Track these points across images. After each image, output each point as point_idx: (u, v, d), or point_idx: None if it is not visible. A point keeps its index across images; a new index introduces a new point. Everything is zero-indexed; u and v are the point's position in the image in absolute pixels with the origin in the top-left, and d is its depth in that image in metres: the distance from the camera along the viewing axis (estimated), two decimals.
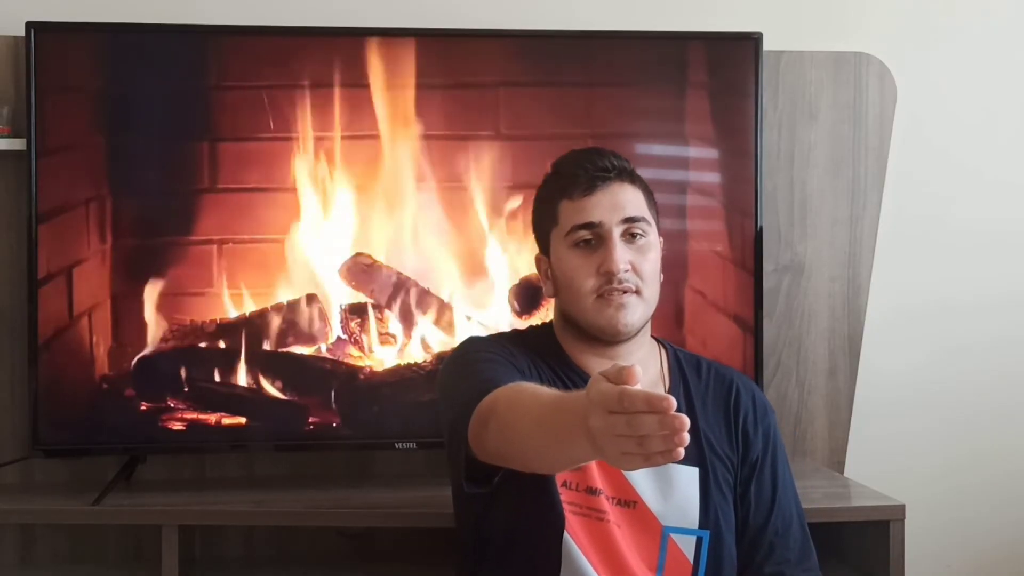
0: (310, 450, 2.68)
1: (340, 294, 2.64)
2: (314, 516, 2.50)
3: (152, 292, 2.58)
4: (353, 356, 2.63)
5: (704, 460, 1.96)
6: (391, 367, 2.62)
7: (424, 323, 2.64)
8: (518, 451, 1.65)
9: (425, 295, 2.64)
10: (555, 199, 1.99)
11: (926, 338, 2.98)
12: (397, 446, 2.59)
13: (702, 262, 2.71)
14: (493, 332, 2.22)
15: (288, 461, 2.74)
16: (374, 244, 2.64)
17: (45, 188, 2.50)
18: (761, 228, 2.67)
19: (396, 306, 2.63)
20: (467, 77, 2.65)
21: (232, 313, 2.61)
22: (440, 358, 2.61)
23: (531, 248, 2.64)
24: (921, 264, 2.96)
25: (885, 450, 2.93)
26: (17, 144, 2.53)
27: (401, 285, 2.63)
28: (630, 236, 1.95)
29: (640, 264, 1.94)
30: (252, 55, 2.61)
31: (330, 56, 2.59)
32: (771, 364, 2.79)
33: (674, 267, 2.69)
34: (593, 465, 1.89)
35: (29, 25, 2.49)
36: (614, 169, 1.97)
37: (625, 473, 1.90)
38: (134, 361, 2.57)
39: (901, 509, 2.48)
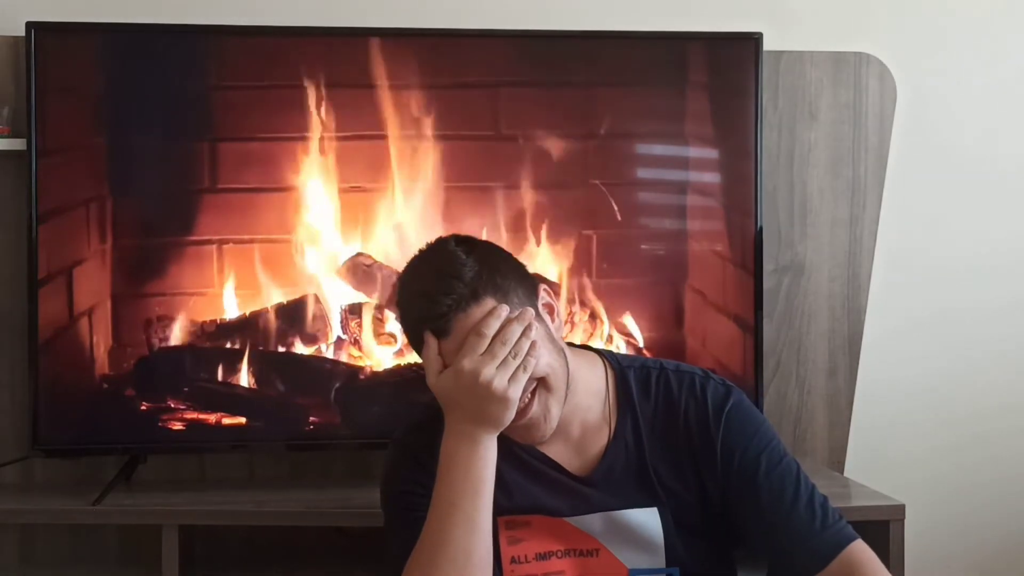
0: (310, 450, 2.68)
1: (340, 294, 2.64)
2: (314, 516, 2.50)
3: (152, 292, 2.58)
4: (353, 356, 2.63)
5: (658, 497, 1.90)
6: (391, 367, 2.62)
7: None
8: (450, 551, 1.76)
9: None
10: (417, 334, 1.83)
11: (926, 338, 2.98)
12: None
13: (702, 262, 2.71)
14: (416, 417, 2.00)
15: (288, 461, 2.74)
16: (374, 244, 2.64)
17: (45, 188, 2.50)
18: (761, 228, 2.67)
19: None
20: (468, 77, 2.65)
21: (232, 313, 2.61)
22: None
23: (532, 247, 2.64)
24: (921, 264, 2.96)
25: (885, 450, 2.93)
26: (17, 144, 2.53)
27: None
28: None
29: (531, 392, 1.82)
30: (252, 55, 2.61)
31: (330, 56, 2.59)
32: (771, 364, 2.79)
33: (674, 267, 2.70)
34: (541, 527, 1.88)
35: (29, 25, 2.49)
36: (451, 308, 1.77)
37: (582, 527, 1.88)
38: (134, 361, 2.57)
39: (901, 509, 2.48)
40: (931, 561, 2.90)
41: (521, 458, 1.90)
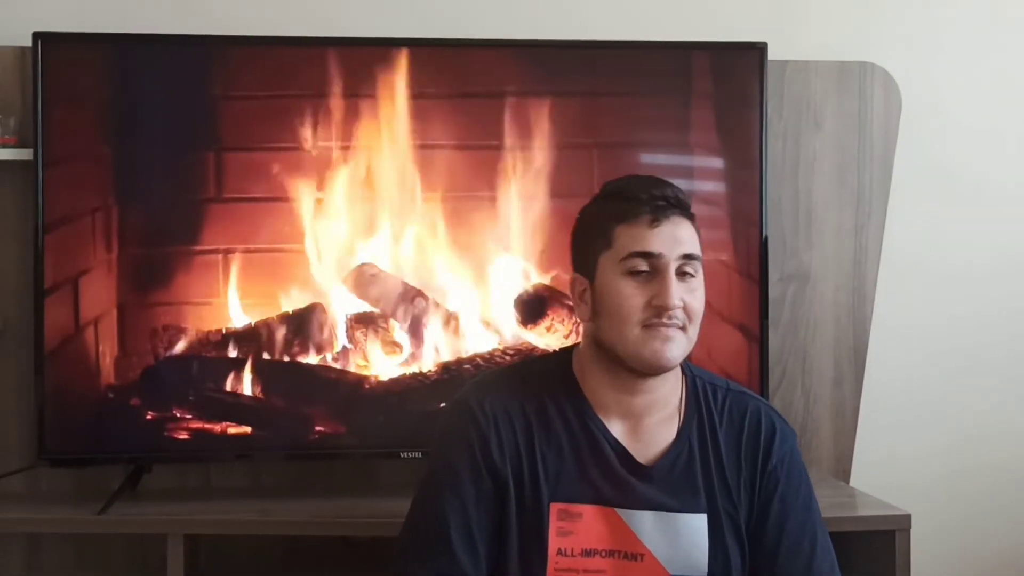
0: (316, 459, 2.68)
1: (346, 304, 2.64)
2: (320, 525, 2.50)
3: (158, 301, 2.58)
4: (358, 365, 2.63)
5: (715, 505, 1.92)
6: (396, 376, 2.62)
7: (429, 332, 2.64)
8: None
9: (430, 305, 2.64)
10: (610, 222, 1.91)
11: (931, 347, 2.98)
12: (402, 455, 2.59)
13: (707, 271, 2.66)
14: (484, 381, 2.01)
15: (294, 470, 2.74)
16: (379, 254, 2.64)
17: (51, 198, 2.51)
18: (766, 237, 2.68)
19: (401, 315, 2.63)
20: (472, 87, 2.66)
21: (238, 322, 2.61)
22: (445, 367, 2.62)
23: (535, 258, 2.64)
24: (926, 273, 2.96)
25: (891, 460, 2.93)
26: (24, 154, 2.53)
27: (406, 295, 2.64)
28: (682, 273, 1.90)
29: (690, 302, 1.90)
30: (257, 65, 2.61)
31: (336, 66, 2.59)
32: (776, 373, 2.79)
33: None
34: (592, 521, 1.88)
35: (36, 36, 2.49)
36: (677, 203, 1.91)
37: (632, 526, 1.89)
38: (140, 370, 2.58)
39: (907, 519, 2.48)
40: (937, 570, 2.89)
41: (586, 438, 1.90)
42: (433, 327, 2.64)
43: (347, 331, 2.64)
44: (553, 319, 2.64)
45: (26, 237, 2.55)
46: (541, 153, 2.64)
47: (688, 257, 1.89)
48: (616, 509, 1.89)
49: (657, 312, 1.86)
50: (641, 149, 2.73)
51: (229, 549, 2.70)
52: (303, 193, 2.60)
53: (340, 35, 2.64)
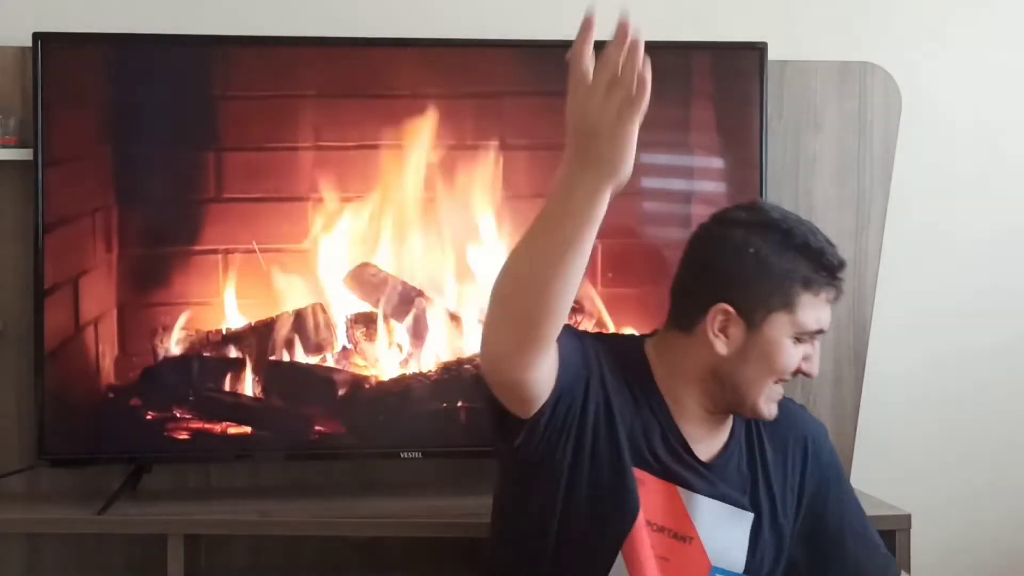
0: (316, 459, 2.68)
1: (346, 303, 2.64)
2: (320, 526, 2.50)
3: (158, 301, 2.59)
4: (359, 365, 2.63)
5: (758, 506, 1.96)
6: (396, 376, 2.62)
7: (429, 332, 2.64)
8: (532, 284, 1.61)
9: (430, 305, 2.64)
10: (796, 285, 1.88)
11: (932, 348, 2.98)
12: (403, 455, 2.59)
13: None
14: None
15: (294, 470, 2.74)
16: (379, 254, 2.64)
17: (52, 198, 2.51)
18: None
19: (401, 315, 2.63)
20: (472, 87, 2.66)
21: (238, 322, 2.61)
22: (445, 367, 2.62)
23: None
24: (926, 274, 2.96)
25: (890, 460, 2.92)
26: (24, 154, 2.53)
27: (406, 295, 2.64)
28: None
29: None
30: (257, 65, 2.62)
31: (336, 66, 2.60)
32: None
33: None
34: (652, 495, 1.88)
35: (36, 36, 2.50)
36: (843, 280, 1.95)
37: (689, 508, 1.90)
38: (140, 370, 2.58)
39: (907, 519, 2.48)
40: (937, 570, 2.89)
41: (656, 421, 1.91)
42: (433, 327, 2.64)
43: (347, 331, 2.64)
44: None
45: (26, 237, 2.55)
46: (541, 153, 2.64)
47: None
48: (680, 488, 1.90)
49: (791, 375, 1.91)
50: (641, 149, 2.70)
51: (229, 549, 2.70)
52: (303, 193, 2.60)
53: (340, 35, 2.64)
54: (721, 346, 1.88)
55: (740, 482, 1.95)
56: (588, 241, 1.60)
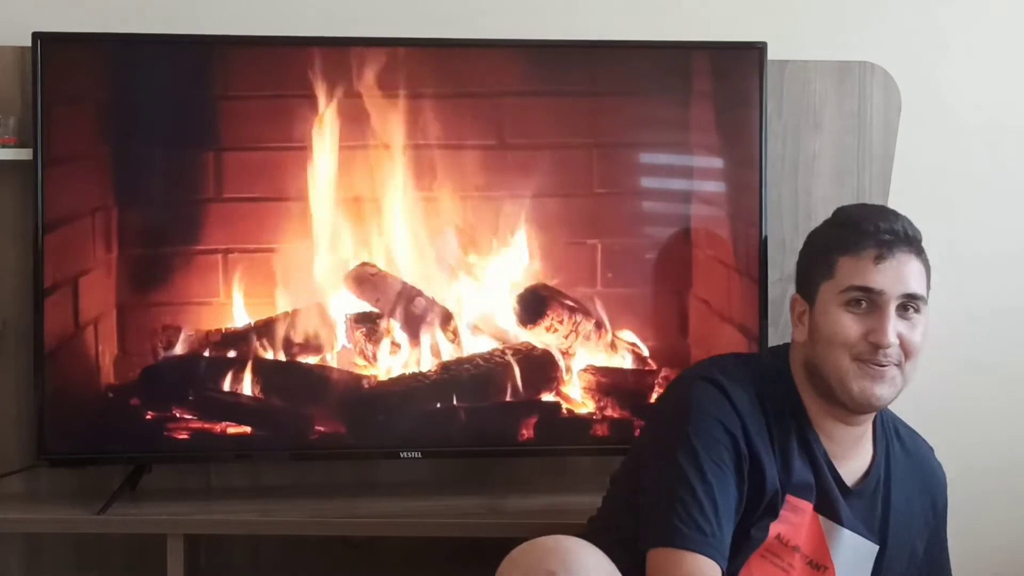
0: (315, 459, 2.68)
1: (345, 303, 2.64)
2: (319, 525, 2.50)
3: (158, 301, 2.59)
4: (358, 365, 2.63)
5: (885, 538, 1.97)
6: (396, 376, 2.62)
7: (429, 332, 2.64)
8: None
9: (430, 304, 2.64)
10: (834, 251, 1.93)
11: (932, 348, 2.95)
12: (402, 455, 2.59)
13: (707, 271, 2.71)
14: (722, 362, 2.05)
15: (293, 470, 2.74)
16: (379, 253, 2.64)
17: (51, 198, 2.50)
18: (766, 237, 2.67)
19: (401, 315, 2.63)
20: (471, 87, 2.66)
21: (238, 322, 2.61)
22: (445, 367, 2.62)
23: (536, 256, 2.64)
24: None
25: None
26: (23, 154, 2.53)
27: (406, 294, 2.64)
28: (903, 309, 1.91)
29: (909, 338, 1.91)
30: (257, 65, 2.61)
31: (335, 65, 2.59)
32: None
33: (679, 276, 2.70)
34: (804, 522, 1.91)
35: (35, 36, 2.49)
36: (905, 237, 1.92)
37: (829, 539, 1.93)
38: (140, 370, 2.58)
39: None
40: None
41: (806, 445, 1.93)
42: (433, 327, 2.64)
43: (347, 331, 2.64)
44: (553, 319, 2.63)
45: (26, 237, 2.55)
46: (541, 153, 2.64)
47: (911, 296, 1.90)
48: (822, 517, 1.92)
49: (872, 348, 1.88)
50: (641, 149, 2.73)
51: (228, 549, 2.71)
52: (302, 192, 2.60)
53: (341, 35, 2.64)
54: (799, 332, 1.95)
55: (873, 512, 1.97)
56: None
